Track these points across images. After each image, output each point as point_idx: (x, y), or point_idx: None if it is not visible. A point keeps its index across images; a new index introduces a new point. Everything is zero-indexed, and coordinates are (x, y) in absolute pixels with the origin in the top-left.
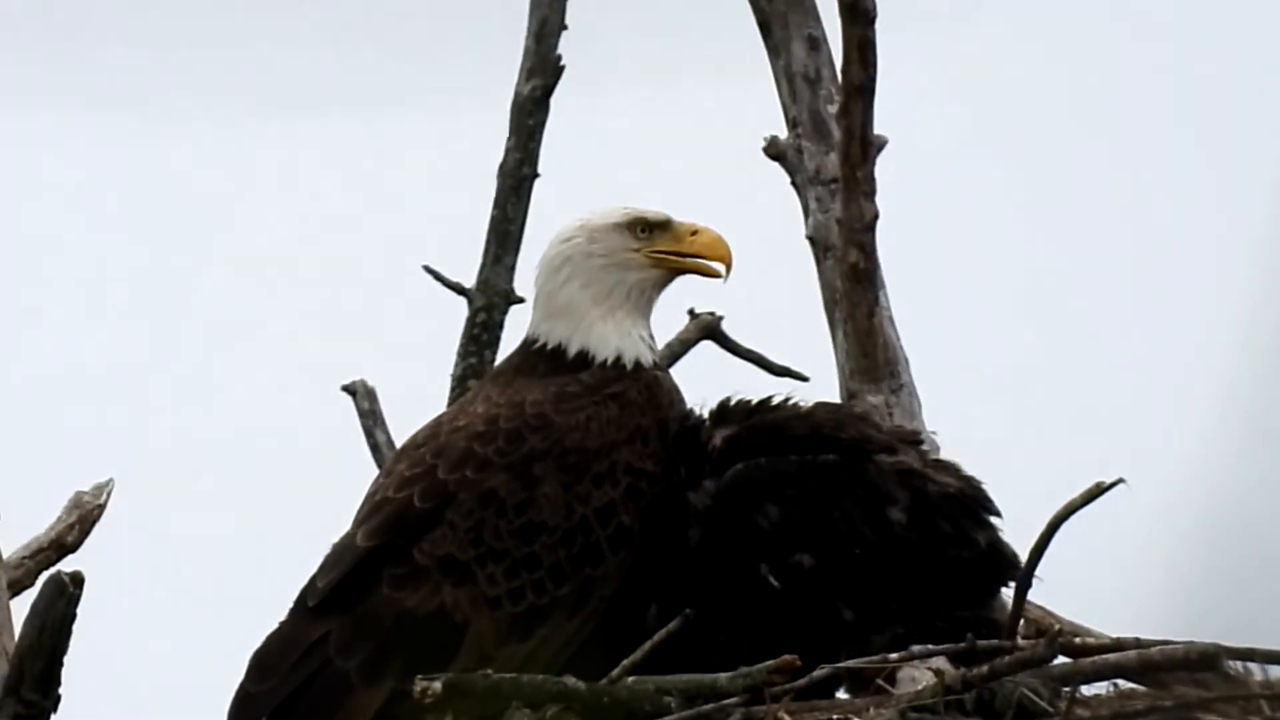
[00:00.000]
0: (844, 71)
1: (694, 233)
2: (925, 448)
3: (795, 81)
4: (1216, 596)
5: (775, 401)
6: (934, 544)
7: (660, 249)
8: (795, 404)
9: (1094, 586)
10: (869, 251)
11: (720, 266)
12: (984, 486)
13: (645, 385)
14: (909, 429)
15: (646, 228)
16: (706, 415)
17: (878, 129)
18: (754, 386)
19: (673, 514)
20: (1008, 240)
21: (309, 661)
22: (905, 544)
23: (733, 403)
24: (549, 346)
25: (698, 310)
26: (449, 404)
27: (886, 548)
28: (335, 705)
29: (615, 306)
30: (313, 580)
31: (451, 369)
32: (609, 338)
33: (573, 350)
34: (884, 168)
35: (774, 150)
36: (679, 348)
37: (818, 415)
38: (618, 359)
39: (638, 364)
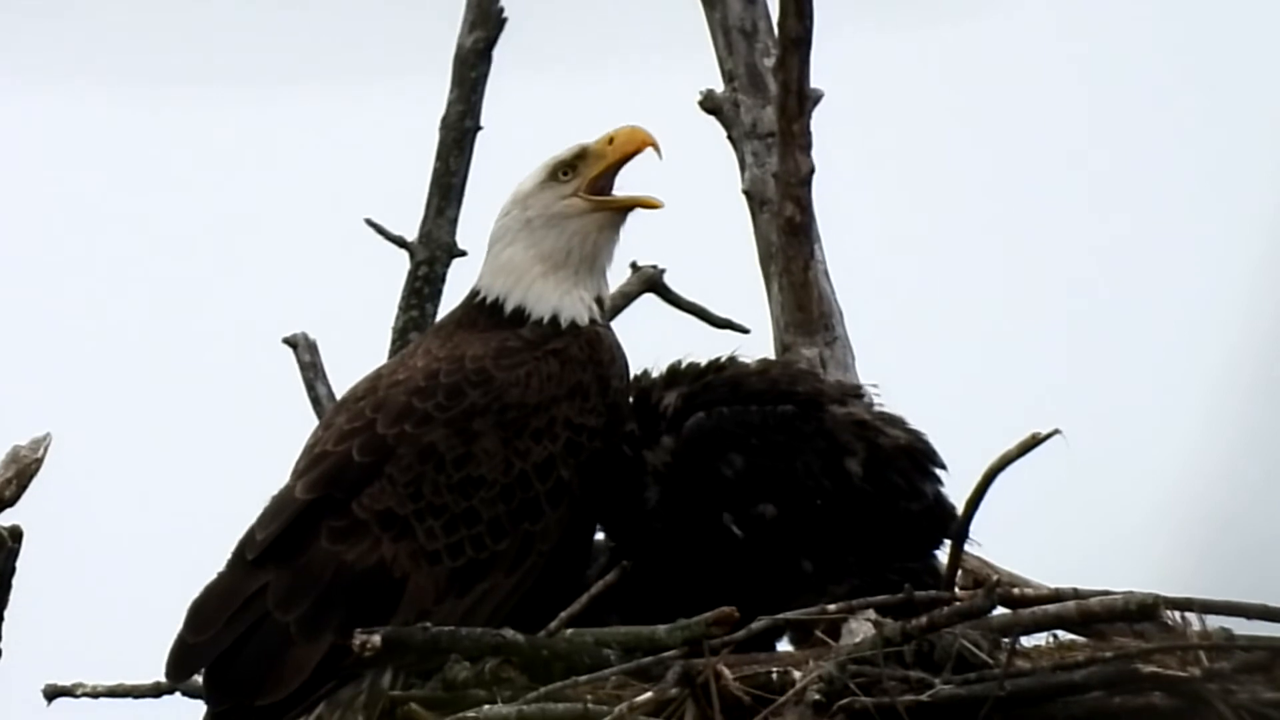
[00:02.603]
0: (780, 24)
1: (610, 140)
2: (867, 401)
3: (731, 35)
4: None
5: (724, 360)
6: (887, 496)
7: (590, 177)
8: (744, 361)
9: (1034, 539)
10: (804, 205)
11: (657, 197)
12: (929, 439)
13: (586, 341)
14: (850, 383)
15: (566, 168)
16: (657, 377)
17: (814, 83)
18: (695, 339)
19: (627, 476)
20: (942, 194)
21: (247, 613)
22: (861, 495)
23: (683, 365)
24: (488, 300)
25: (640, 263)
26: (390, 357)
27: (844, 499)
28: (275, 659)
29: (559, 264)
30: (251, 532)
31: (393, 322)
32: (547, 296)
33: (509, 306)
34: (820, 121)
35: (710, 104)
36: (621, 300)
37: (772, 370)
38: (554, 318)
39: (573, 324)
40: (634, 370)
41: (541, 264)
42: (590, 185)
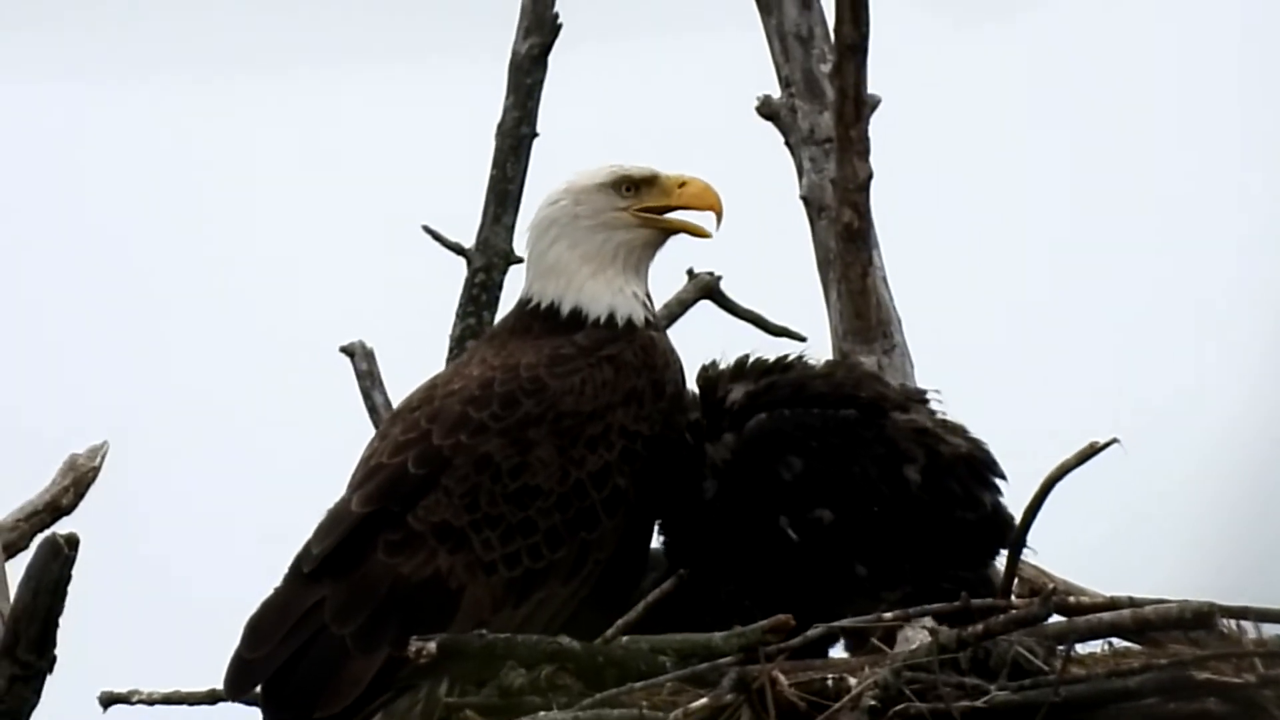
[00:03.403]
0: (836, 30)
1: (682, 184)
2: (932, 407)
3: (788, 40)
4: (1236, 562)
5: (791, 359)
6: (944, 504)
7: (648, 204)
8: (811, 363)
9: (1090, 547)
10: (863, 211)
11: (710, 224)
12: (989, 449)
13: (641, 346)
14: (915, 388)
15: (632, 185)
16: (725, 369)
17: (871, 88)
18: (752, 346)
19: (686, 467)
20: (1001, 199)
21: (304, 628)
22: (918, 503)
23: (751, 360)
24: (542, 306)
25: (696, 270)
26: (447, 365)
27: (901, 506)
28: (331, 672)
29: (605, 264)
30: (307, 546)
31: (450, 329)
32: (601, 295)
33: (566, 308)
34: (877, 127)
35: (767, 110)
36: (677, 308)
37: (837, 373)
38: (610, 316)
39: (630, 322)
40: (692, 370)
41: (588, 264)
42: (645, 208)
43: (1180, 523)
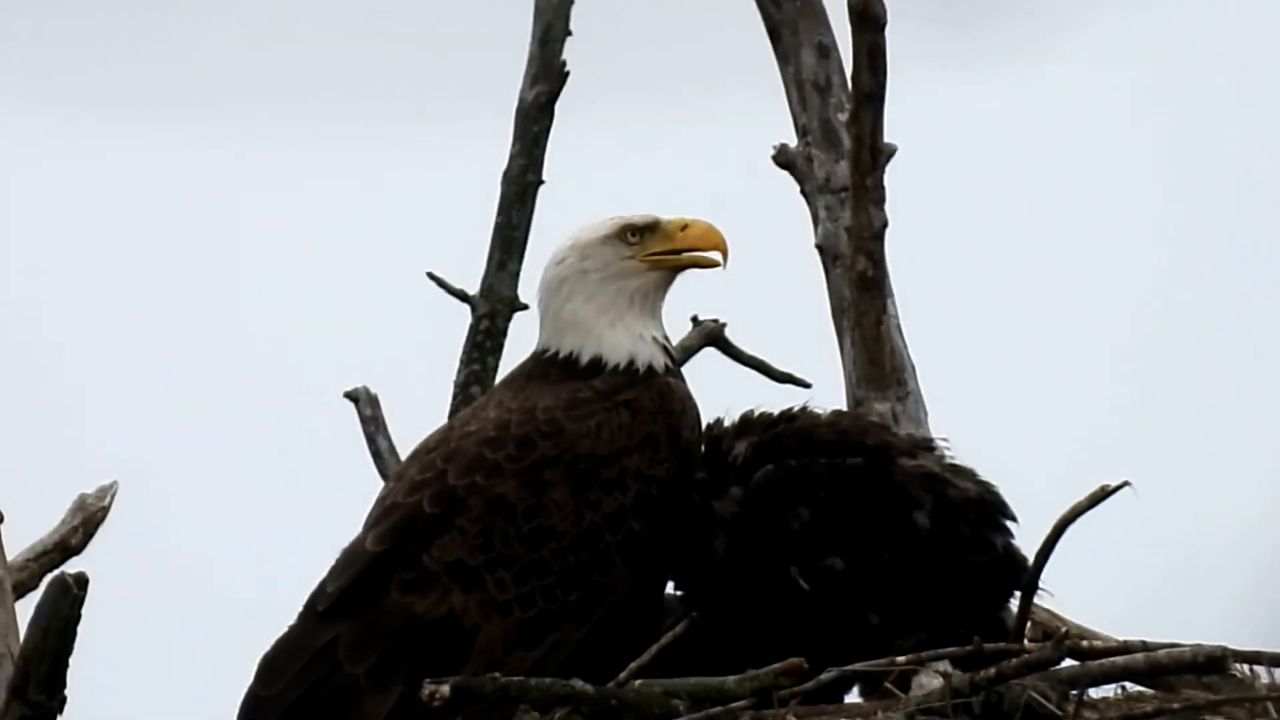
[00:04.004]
0: (853, 79)
1: (684, 227)
2: (939, 454)
3: (805, 89)
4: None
5: (796, 410)
6: (954, 548)
7: (654, 251)
8: (816, 412)
9: (1103, 591)
10: (877, 259)
11: (716, 255)
12: (1000, 492)
13: (658, 392)
14: (921, 436)
15: (636, 233)
16: (729, 426)
17: (887, 137)
18: (756, 393)
19: (696, 525)
20: (1016, 248)
21: (318, 665)
22: (928, 548)
23: (755, 414)
24: (560, 355)
25: (701, 317)
26: (451, 411)
27: (911, 551)
28: (344, 710)
29: (622, 313)
30: (322, 585)
31: (454, 375)
32: (621, 343)
33: (585, 358)
34: (893, 176)
35: (784, 158)
36: (682, 354)
37: (842, 422)
38: (630, 363)
39: (650, 368)
40: (705, 420)
41: (604, 315)
42: (652, 254)
43: (1193, 566)
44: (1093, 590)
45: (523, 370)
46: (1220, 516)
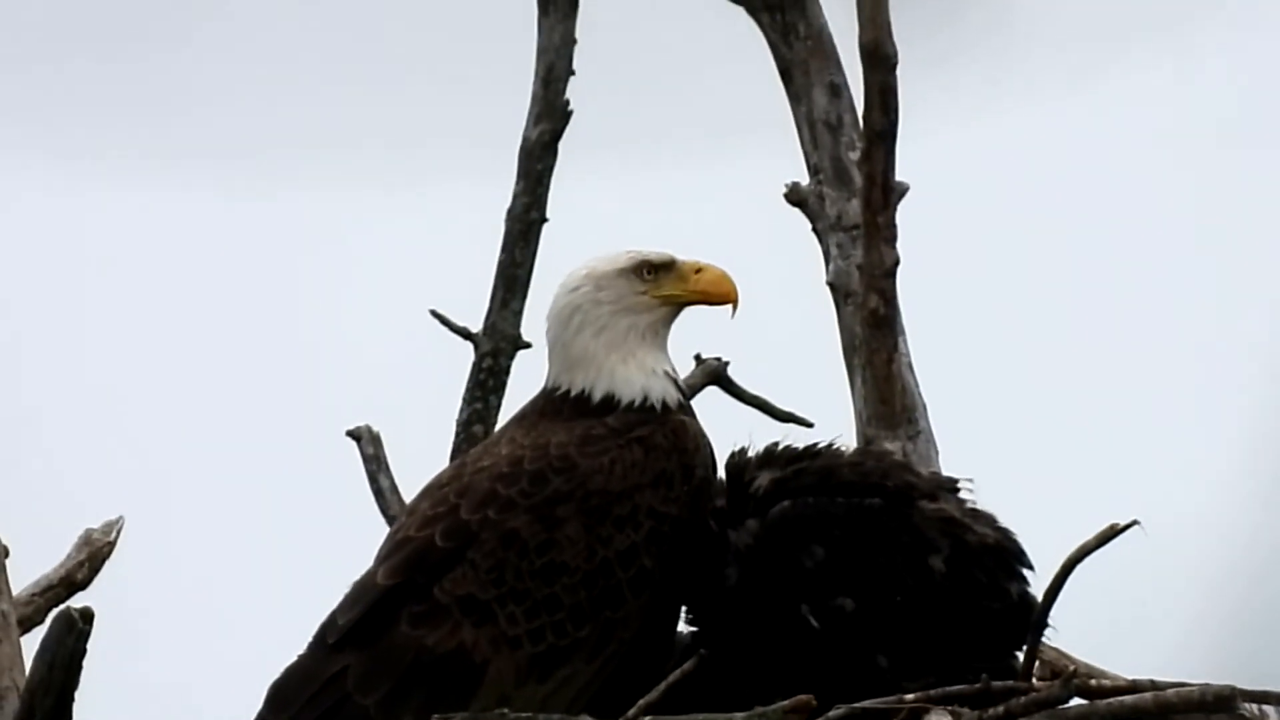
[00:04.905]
0: (865, 118)
1: (698, 270)
2: (963, 496)
3: (816, 128)
4: (1244, 642)
5: (820, 447)
6: (969, 594)
7: (666, 291)
8: (840, 450)
9: (1111, 628)
10: (889, 298)
11: (727, 307)
12: (1018, 539)
13: (671, 429)
14: (946, 477)
15: (651, 270)
16: (752, 457)
17: (899, 175)
18: (759, 432)
19: (710, 553)
20: (1028, 287)
21: (327, 695)
22: (942, 593)
23: (780, 447)
24: (572, 393)
25: (706, 355)
26: (453, 449)
27: (925, 596)
28: None
29: (633, 349)
30: (332, 617)
31: (457, 414)
32: (633, 379)
33: (597, 396)
34: (905, 214)
35: (795, 197)
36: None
37: (866, 463)
38: (644, 399)
39: (664, 404)
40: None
41: (615, 351)
42: (664, 295)
43: (1201, 606)
44: (1101, 630)
45: (534, 407)
46: (1226, 555)
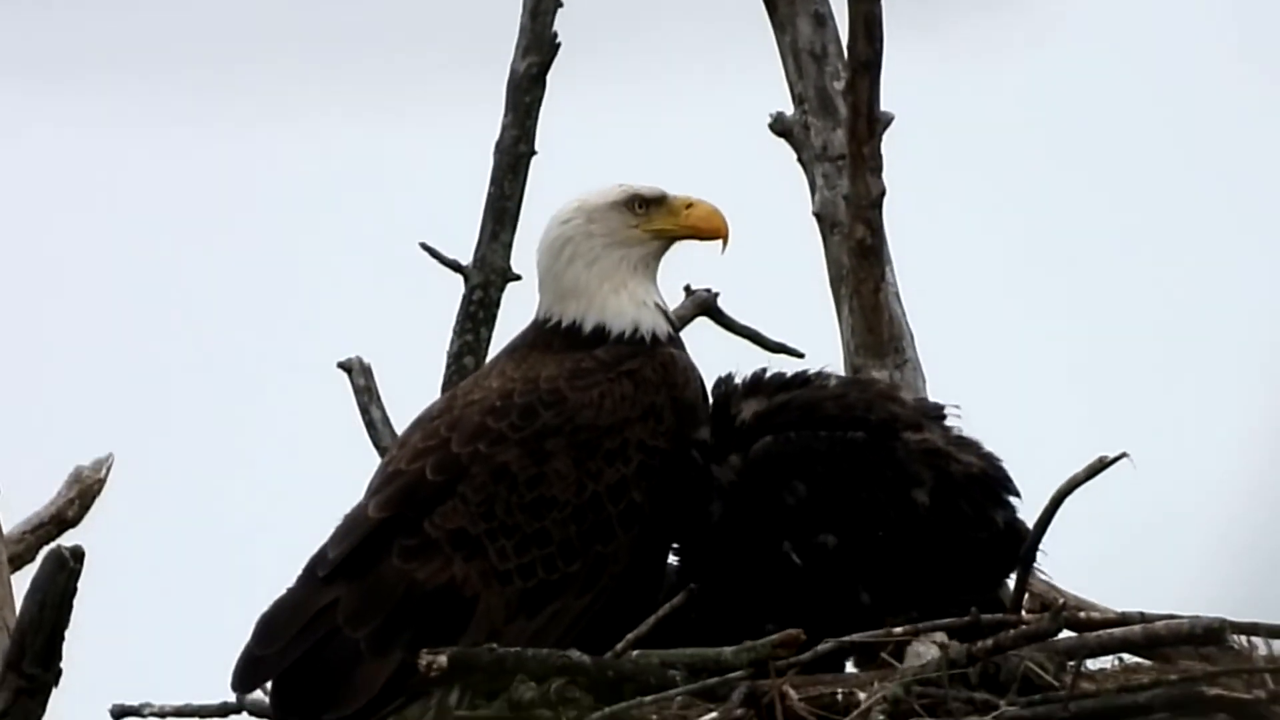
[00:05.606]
0: (850, 47)
1: (689, 205)
2: (949, 423)
3: (801, 58)
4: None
5: (808, 374)
6: (954, 525)
7: (657, 225)
8: (826, 382)
9: (1100, 562)
10: (875, 227)
11: (718, 242)
12: (1004, 465)
13: (661, 363)
14: (932, 404)
15: (643, 204)
16: (738, 384)
17: (884, 105)
18: (749, 363)
19: (694, 488)
20: (1013, 216)
21: (316, 627)
22: (926, 526)
23: (766, 375)
24: (563, 324)
25: (695, 286)
26: (444, 381)
27: (908, 530)
28: (344, 674)
29: (624, 280)
30: (323, 551)
31: (447, 346)
32: (625, 310)
33: (588, 326)
34: (890, 144)
35: (780, 127)
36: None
37: (850, 394)
38: (635, 331)
39: (654, 337)
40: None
41: (607, 282)
42: (655, 230)
43: (1191, 538)
44: (1091, 562)
45: (525, 339)
46: (1218, 485)
